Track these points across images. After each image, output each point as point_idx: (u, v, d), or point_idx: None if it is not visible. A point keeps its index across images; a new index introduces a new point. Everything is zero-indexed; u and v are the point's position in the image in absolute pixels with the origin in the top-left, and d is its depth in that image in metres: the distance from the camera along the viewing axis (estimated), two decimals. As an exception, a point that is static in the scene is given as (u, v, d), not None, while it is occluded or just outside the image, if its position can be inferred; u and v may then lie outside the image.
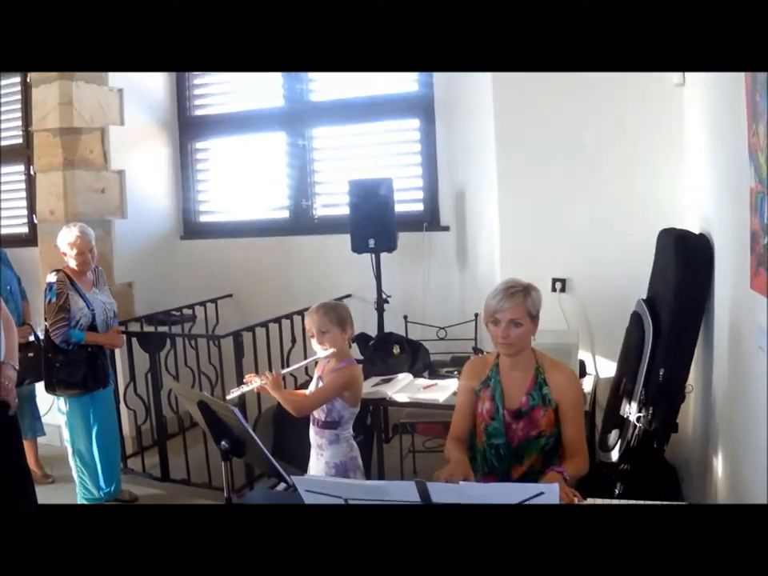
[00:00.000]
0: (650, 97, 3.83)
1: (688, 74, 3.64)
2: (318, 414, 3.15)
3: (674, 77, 3.70)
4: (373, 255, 4.82)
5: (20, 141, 6.28)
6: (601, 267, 3.96)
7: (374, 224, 4.69)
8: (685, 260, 3.15)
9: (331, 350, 3.10)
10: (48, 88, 5.22)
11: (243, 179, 5.98)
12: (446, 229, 5.23)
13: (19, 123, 6.30)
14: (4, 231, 6.25)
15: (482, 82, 4.22)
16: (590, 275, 4.01)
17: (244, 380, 3.16)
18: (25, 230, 6.25)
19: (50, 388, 4.22)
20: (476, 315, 4.55)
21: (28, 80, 5.76)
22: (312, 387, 3.25)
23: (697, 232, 3.32)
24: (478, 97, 4.44)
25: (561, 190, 4.03)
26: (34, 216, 5.67)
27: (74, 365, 4.14)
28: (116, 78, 5.47)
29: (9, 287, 4.75)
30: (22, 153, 6.23)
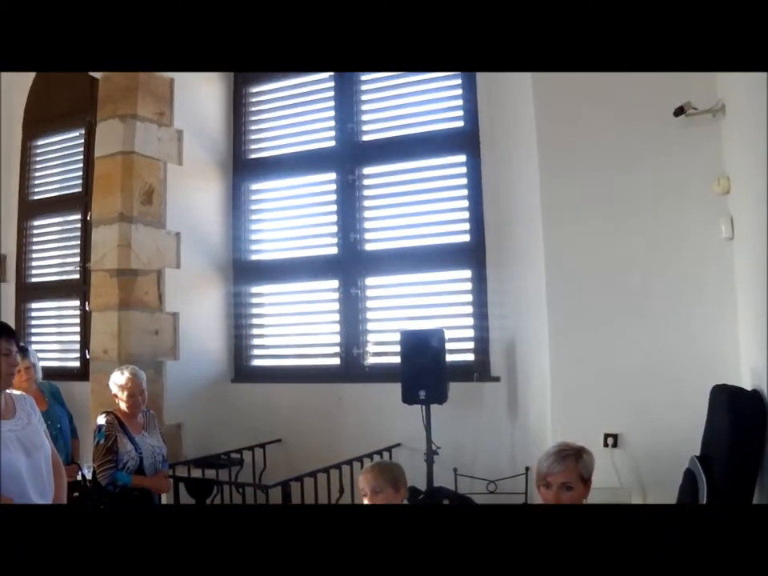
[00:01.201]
0: (699, 247, 3.82)
1: (737, 228, 3.65)
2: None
3: (723, 229, 3.72)
4: (423, 406, 4.77)
5: (77, 276, 6.47)
6: (653, 421, 3.85)
7: (425, 376, 4.66)
8: (738, 419, 3.07)
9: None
10: (108, 229, 5.38)
11: (296, 324, 6.03)
12: (497, 379, 5.17)
13: (77, 259, 6.51)
14: (57, 364, 6.35)
15: (532, 228, 4.27)
16: (643, 430, 3.89)
17: None
18: (77, 364, 6.33)
19: (94, 531, 4.13)
20: (527, 469, 4.44)
21: (88, 218, 5.96)
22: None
23: (749, 387, 3.25)
24: (528, 246, 4.48)
25: (612, 342, 3.98)
26: (87, 352, 5.72)
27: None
28: (173, 223, 5.64)
29: (59, 425, 4.80)
30: (79, 289, 6.41)
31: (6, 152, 7.11)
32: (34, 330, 7.00)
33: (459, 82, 5.50)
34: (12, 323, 6.68)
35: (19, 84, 7.18)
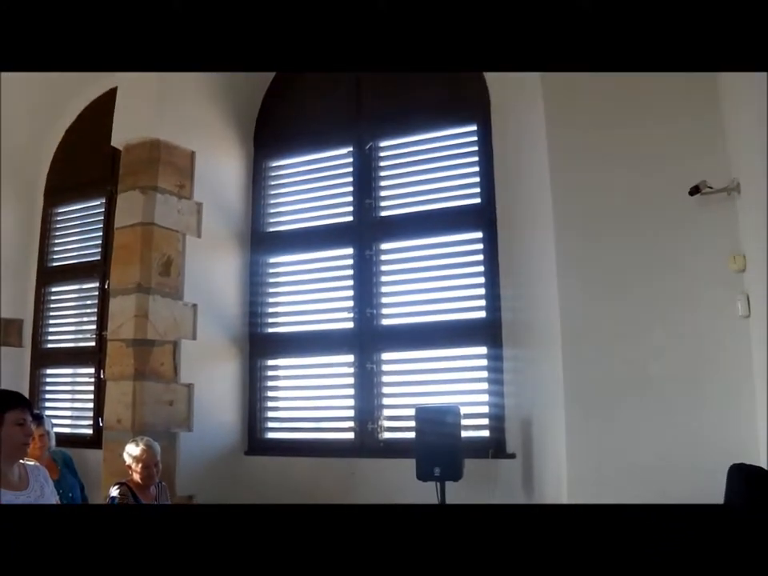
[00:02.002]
0: (716, 326, 3.82)
1: (753, 306, 3.65)
2: None
3: (739, 307, 3.72)
4: (438, 483, 4.72)
5: (93, 344, 6.52)
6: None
7: (440, 452, 4.62)
8: (756, 498, 3.03)
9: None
10: (125, 299, 5.41)
11: (311, 398, 6.03)
12: (512, 456, 5.12)
13: (93, 327, 6.55)
14: (69, 431, 6.35)
15: (549, 308, 4.27)
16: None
17: None
18: (90, 431, 6.33)
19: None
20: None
21: (106, 287, 6.00)
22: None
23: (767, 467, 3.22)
24: (545, 325, 4.47)
25: (628, 426, 3.96)
26: (101, 420, 5.72)
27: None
28: (190, 294, 5.67)
29: (71, 495, 4.80)
30: (94, 356, 6.44)
31: (28, 218, 7.23)
32: (47, 396, 7.02)
33: (476, 159, 5.56)
34: (27, 388, 6.77)
35: (43, 152, 7.32)
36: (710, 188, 3.76)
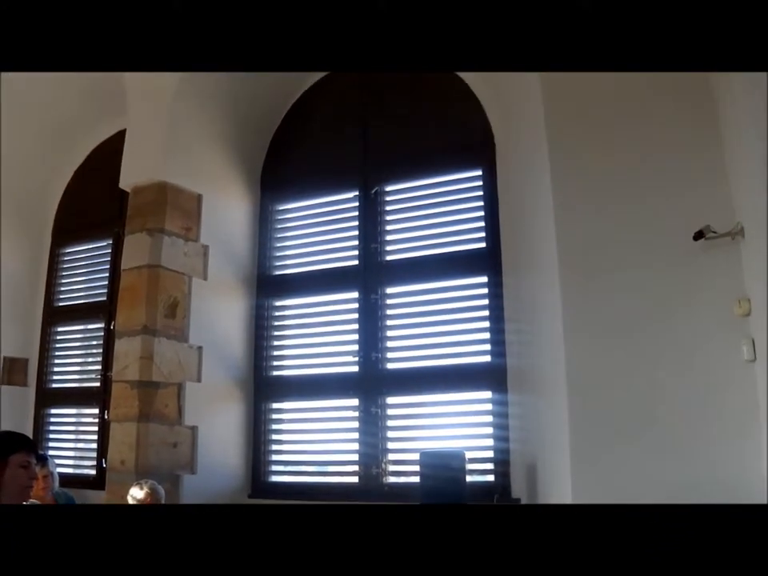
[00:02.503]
0: (721, 371, 3.80)
1: (758, 350, 3.64)
2: None
3: (745, 351, 3.71)
4: (443, 528, 4.69)
5: (97, 384, 6.58)
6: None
7: (444, 497, 4.58)
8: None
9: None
10: (131, 341, 5.42)
11: (315, 441, 6.02)
12: (518, 501, 5.08)
13: (98, 367, 6.58)
14: (72, 471, 6.35)
15: (553, 353, 4.26)
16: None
17: None
18: (93, 472, 6.33)
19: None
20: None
21: (112, 327, 6.03)
22: None
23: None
24: (550, 371, 4.46)
25: (634, 472, 3.92)
26: (104, 461, 5.71)
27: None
28: (196, 336, 5.68)
29: (73, 537, 4.73)
30: (98, 397, 6.48)
31: (36, 258, 7.29)
32: (51, 435, 7.02)
33: (482, 203, 5.59)
34: (31, 427, 6.78)
35: (52, 192, 7.39)
36: (714, 233, 3.77)
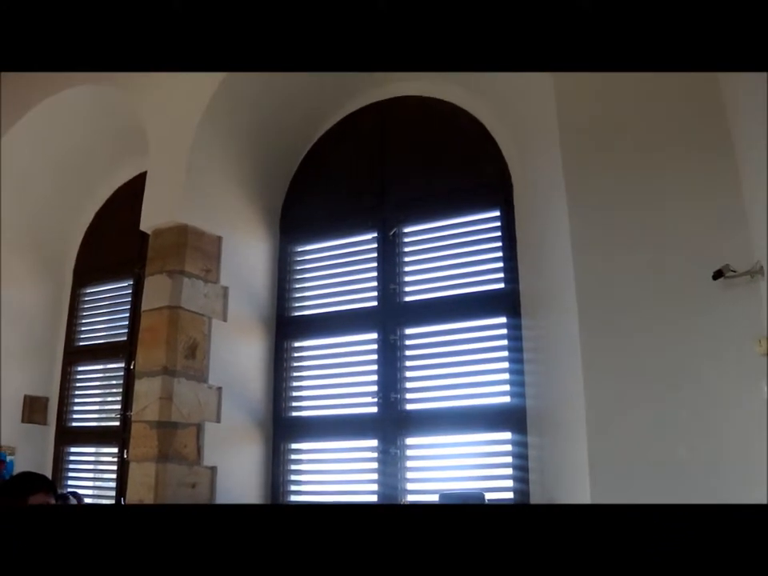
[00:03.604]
0: (742, 410, 3.77)
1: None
2: None
3: (766, 390, 3.69)
4: None
5: (117, 423, 6.63)
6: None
7: (465, 539, 4.57)
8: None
9: None
10: (151, 381, 5.44)
11: (334, 482, 6.00)
12: (537, 545, 5.04)
13: (118, 407, 6.64)
14: (93, 510, 6.35)
15: (573, 393, 4.24)
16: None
17: None
18: (111, 513, 6.33)
19: None
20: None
21: (131, 367, 6.07)
22: None
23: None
24: (570, 412, 4.44)
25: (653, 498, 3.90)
26: (123, 500, 5.72)
27: None
28: (215, 377, 5.70)
29: None
30: (117, 436, 6.52)
31: (57, 297, 7.37)
32: (71, 474, 7.05)
33: (500, 244, 5.61)
34: (50, 466, 6.81)
35: (73, 233, 7.48)
36: (734, 271, 3.78)
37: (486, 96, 5.81)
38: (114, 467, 6.62)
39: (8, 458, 6.68)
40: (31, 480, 3.23)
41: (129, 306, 6.92)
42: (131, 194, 6.80)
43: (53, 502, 3.20)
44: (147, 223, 5.88)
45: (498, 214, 5.70)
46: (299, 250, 6.55)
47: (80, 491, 6.40)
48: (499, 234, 5.65)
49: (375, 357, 5.90)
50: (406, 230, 6.03)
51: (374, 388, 5.85)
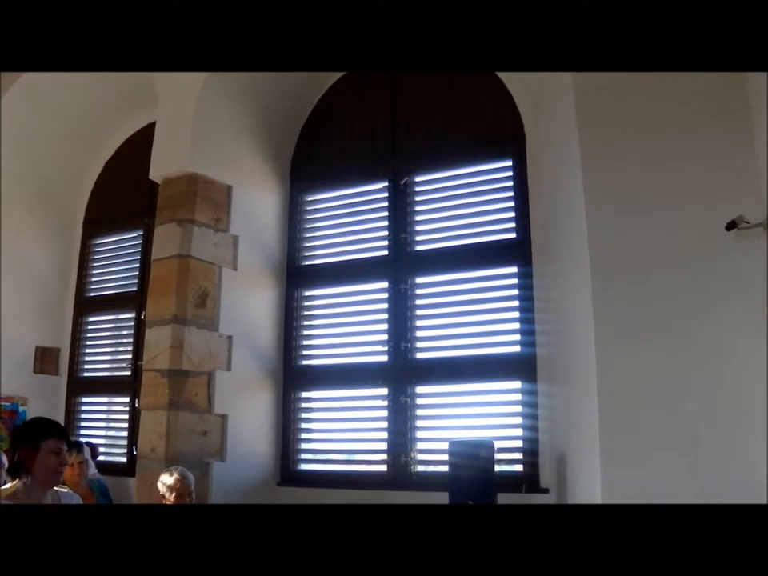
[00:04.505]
0: (751, 365, 3.78)
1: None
2: None
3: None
4: (471, 517, 4.69)
5: (128, 373, 6.67)
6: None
7: (473, 486, 4.58)
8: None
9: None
10: (161, 330, 5.46)
11: (344, 430, 6.06)
12: (546, 491, 5.08)
13: (129, 357, 6.66)
14: (103, 459, 6.42)
15: (584, 344, 4.25)
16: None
17: None
18: (123, 459, 6.44)
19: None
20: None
21: (142, 317, 6.09)
22: None
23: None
24: (580, 363, 4.45)
25: (663, 460, 3.90)
26: (135, 448, 5.78)
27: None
28: (225, 326, 5.72)
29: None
30: (129, 386, 6.56)
31: (67, 249, 7.36)
32: (83, 424, 7.10)
33: (512, 194, 5.58)
34: (62, 415, 6.86)
35: (83, 185, 7.46)
36: (747, 222, 3.77)
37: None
38: (126, 416, 6.66)
39: (20, 408, 6.73)
40: (44, 425, 3.25)
41: (139, 257, 6.93)
42: (140, 144, 6.76)
43: (65, 448, 3.21)
44: (157, 172, 5.87)
45: (510, 164, 5.67)
46: (310, 199, 6.54)
47: (93, 440, 6.46)
48: (511, 183, 5.63)
49: (386, 306, 5.91)
50: (417, 179, 6.01)
51: (385, 337, 5.86)
